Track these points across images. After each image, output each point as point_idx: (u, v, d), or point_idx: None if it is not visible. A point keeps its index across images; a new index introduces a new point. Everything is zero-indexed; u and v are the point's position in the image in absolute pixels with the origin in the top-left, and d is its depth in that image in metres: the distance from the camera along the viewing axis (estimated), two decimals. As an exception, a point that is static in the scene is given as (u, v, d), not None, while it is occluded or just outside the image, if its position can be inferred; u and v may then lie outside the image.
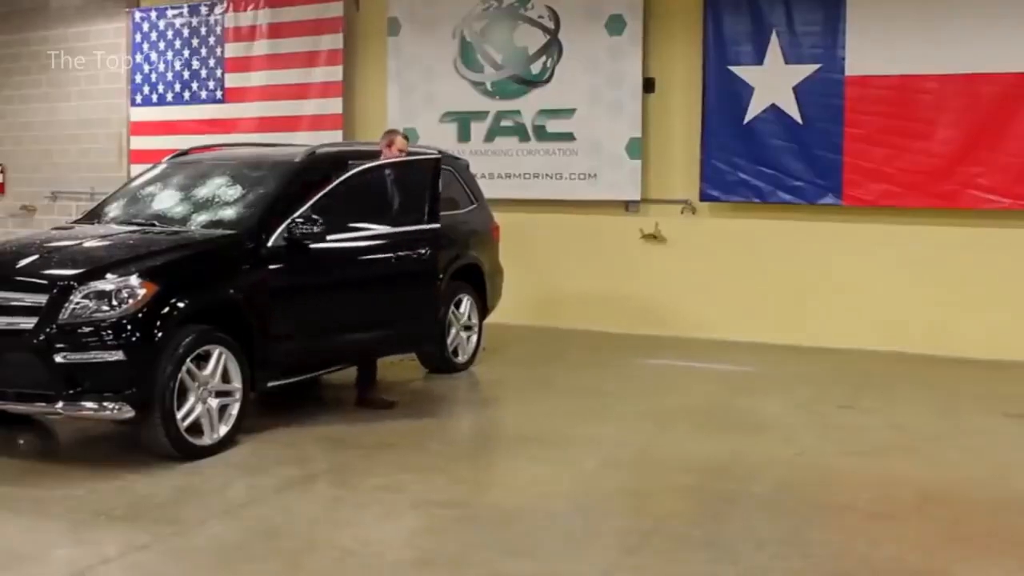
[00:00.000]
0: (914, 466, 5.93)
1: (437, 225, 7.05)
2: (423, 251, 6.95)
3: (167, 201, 7.22)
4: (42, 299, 5.61)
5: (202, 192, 7.14)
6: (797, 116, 9.43)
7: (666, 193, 10.18)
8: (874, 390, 7.85)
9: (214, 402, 5.96)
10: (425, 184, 7.12)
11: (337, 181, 7.28)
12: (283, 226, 6.52)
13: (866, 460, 6.04)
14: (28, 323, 5.57)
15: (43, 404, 5.65)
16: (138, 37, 12.65)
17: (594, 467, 5.85)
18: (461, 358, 8.36)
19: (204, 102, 12.25)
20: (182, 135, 11.94)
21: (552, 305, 10.55)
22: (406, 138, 7.66)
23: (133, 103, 12.75)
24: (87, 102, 13.14)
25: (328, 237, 6.75)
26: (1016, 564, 4.50)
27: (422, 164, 7.39)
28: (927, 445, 6.35)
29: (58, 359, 5.50)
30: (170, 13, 12.44)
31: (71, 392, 5.53)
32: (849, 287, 9.44)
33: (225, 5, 12.06)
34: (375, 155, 8.17)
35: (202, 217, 6.82)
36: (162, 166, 7.74)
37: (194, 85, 12.33)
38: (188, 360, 5.75)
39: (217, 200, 7.00)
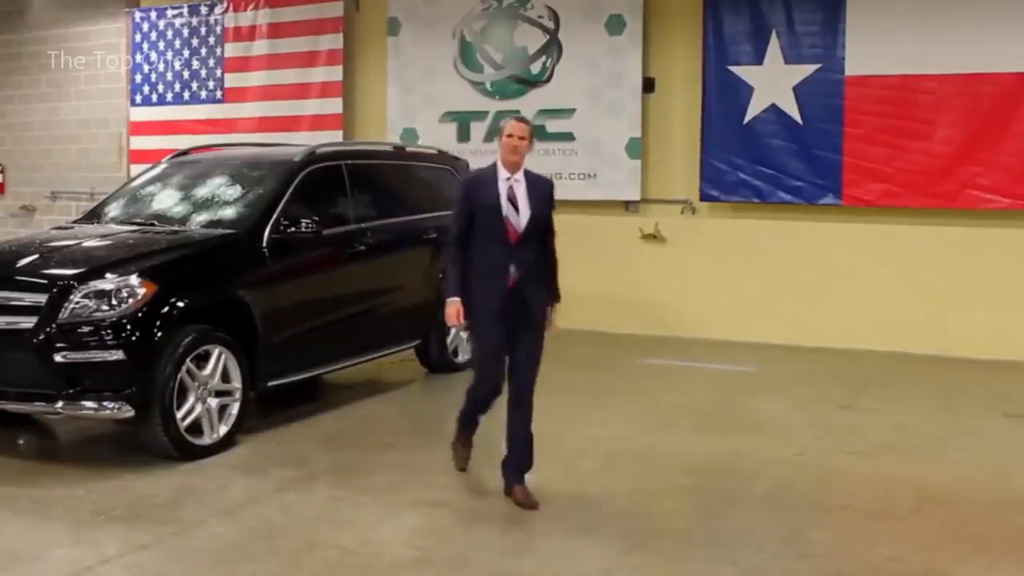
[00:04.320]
0: (914, 466, 5.93)
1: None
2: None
3: (167, 201, 7.22)
4: (42, 299, 5.61)
5: (202, 192, 7.14)
6: (797, 116, 9.43)
7: (666, 193, 10.18)
8: (874, 390, 7.85)
9: (214, 402, 5.96)
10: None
11: (335, 180, 7.32)
12: (282, 225, 6.54)
13: (866, 460, 6.04)
14: (28, 322, 5.57)
15: (43, 403, 5.66)
16: (138, 37, 12.65)
17: (594, 467, 5.85)
18: (461, 358, 8.35)
19: (204, 102, 12.25)
20: (182, 135, 11.94)
21: (552, 305, 10.53)
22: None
23: (133, 103, 12.75)
24: (87, 102, 13.14)
25: (326, 234, 6.79)
26: (1016, 564, 4.50)
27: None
28: (927, 445, 6.35)
29: (58, 358, 5.50)
30: (170, 13, 12.44)
31: (71, 391, 5.54)
32: (849, 287, 9.44)
33: (225, 5, 12.06)
34: (375, 155, 8.21)
35: (202, 217, 6.82)
36: (162, 166, 7.74)
37: (194, 85, 12.33)
38: (188, 360, 5.76)
39: (217, 200, 7.00)
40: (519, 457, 5.26)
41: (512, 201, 5.03)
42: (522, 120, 5.22)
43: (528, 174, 5.12)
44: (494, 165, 5.11)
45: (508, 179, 5.05)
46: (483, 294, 5.03)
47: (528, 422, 5.25)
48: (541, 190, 5.14)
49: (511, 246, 5.00)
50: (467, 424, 5.42)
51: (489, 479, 5.86)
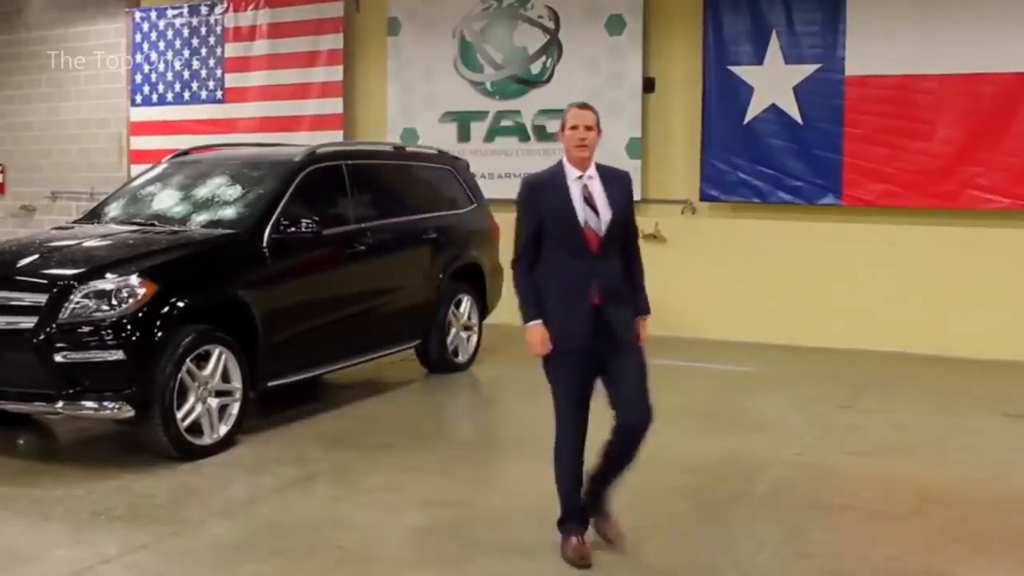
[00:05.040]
0: (914, 466, 5.93)
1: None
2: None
3: (167, 201, 7.22)
4: (42, 299, 5.61)
5: (202, 192, 7.14)
6: (797, 116, 9.43)
7: (666, 193, 10.18)
8: (874, 390, 7.85)
9: (214, 402, 5.96)
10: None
11: (335, 180, 7.33)
12: (282, 225, 6.55)
13: (866, 460, 6.04)
14: (28, 323, 5.57)
15: (43, 403, 5.65)
16: (138, 37, 12.65)
17: (593, 467, 5.83)
18: (461, 358, 8.37)
19: (204, 102, 12.25)
20: (182, 135, 11.94)
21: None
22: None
23: (133, 103, 12.75)
24: (87, 102, 13.14)
25: (326, 234, 6.80)
26: (1016, 564, 4.50)
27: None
28: (927, 445, 6.35)
29: (58, 358, 5.50)
30: (170, 13, 12.44)
31: (71, 391, 5.54)
32: (849, 287, 9.43)
33: (225, 5, 12.06)
34: (375, 155, 8.23)
35: (202, 216, 6.82)
36: (162, 166, 7.75)
37: (194, 85, 12.33)
38: (188, 360, 5.76)
39: (217, 199, 7.00)
40: (595, 495, 4.57)
41: (589, 203, 4.30)
42: (585, 107, 4.37)
43: (600, 168, 4.40)
44: (560, 164, 4.38)
45: (580, 178, 4.33)
46: (565, 321, 4.27)
47: (631, 461, 4.47)
48: (619, 185, 4.44)
49: (592, 257, 4.29)
50: (569, 499, 4.44)
51: (488, 479, 5.86)
